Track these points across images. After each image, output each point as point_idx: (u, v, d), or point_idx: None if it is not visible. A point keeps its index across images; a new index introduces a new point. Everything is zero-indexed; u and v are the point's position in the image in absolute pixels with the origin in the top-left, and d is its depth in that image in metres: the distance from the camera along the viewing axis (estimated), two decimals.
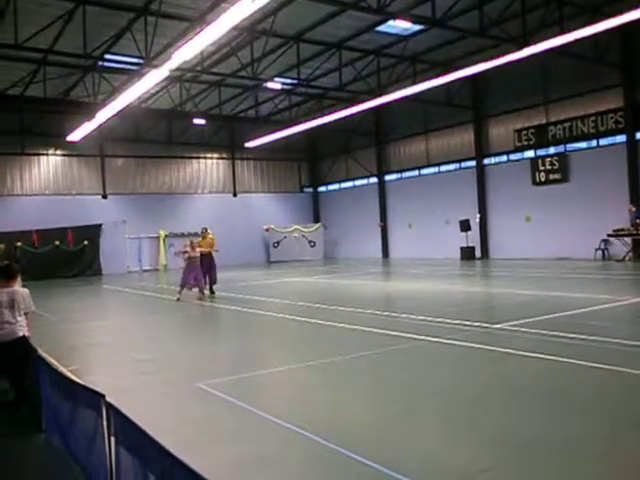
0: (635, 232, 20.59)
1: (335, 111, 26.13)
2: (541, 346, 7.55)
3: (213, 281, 16.88)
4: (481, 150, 27.14)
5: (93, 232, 29.41)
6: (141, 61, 18.84)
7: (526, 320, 9.46)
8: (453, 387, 6.10)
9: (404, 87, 22.40)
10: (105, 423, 3.43)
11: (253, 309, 13.05)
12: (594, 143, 22.95)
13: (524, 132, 25.09)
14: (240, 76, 21.61)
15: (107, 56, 20.02)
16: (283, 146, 34.24)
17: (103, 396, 3.49)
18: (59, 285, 23.48)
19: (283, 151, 35.54)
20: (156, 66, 18.33)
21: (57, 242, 27.97)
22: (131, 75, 22.01)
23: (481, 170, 27.23)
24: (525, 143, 25.14)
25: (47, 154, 29.39)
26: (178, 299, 15.41)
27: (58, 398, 4.61)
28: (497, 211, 26.67)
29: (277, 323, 11.37)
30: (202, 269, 16.20)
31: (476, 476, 3.93)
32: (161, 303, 16.08)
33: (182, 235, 30.52)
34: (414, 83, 22.22)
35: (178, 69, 19.47)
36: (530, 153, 25.26)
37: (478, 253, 27.00)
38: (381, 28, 19.73)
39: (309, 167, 37.93)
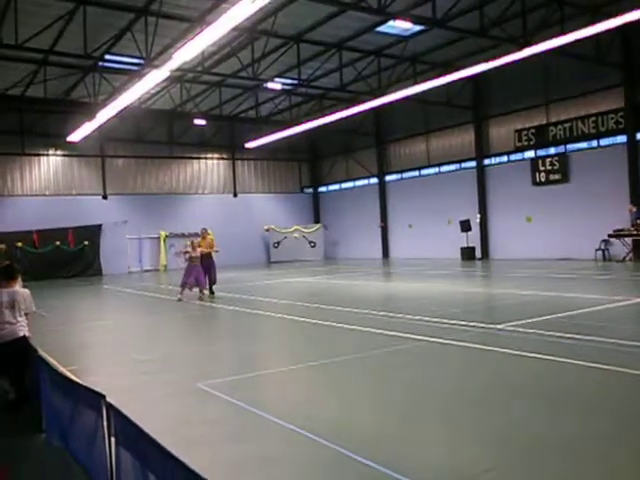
0: (635, 232, 20.58)
1: (335, 111, 26.13)
2: (541, 346, 7.55)
3: (213, 281, 16.89)
4: (481, 150, 27.14)
5: (93, 232, 29.46)
6: (141, 61, 18.83)
7: (527, 320, 9.46)
8: (454, 387, 6.09)
9: (404, 87, 22.40)
10: (105, 423, 3.43)
11: (254, 309, 13.04)
12: (594, 143, 22.95)
13: (524, 132, 25.09)
14: (240, 76, 21.61)
15: (107, 56, 20.01)
16: (283, 146, 34.26)
17: (103, 396, 3.49)
18: (59, 285, 23.50)
19: (283, 151, 35.55)
20: (157, 66, 18.35)
21: (57, 242, 28.01)
22: (131, 75, 22.00)
23: (481, 170, 27.23)
24: (525, 143, 25.14)
25: (47, 154, 29.40)
26: (179, 299, 15.42)
27: (58, 398, 4.61)
28: (497, 211, 26.67)
29: (278, 323, 11.37)
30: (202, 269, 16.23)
31: (477, 477, 3.92)
32: (161, 303, 16.08)
33: (182, 235, 30.54)
34: (415, 83, 22.23)
35: (179, 69, 19.47)
36: (530, 153, 25.26)
37: (478, 253, 27.00)
38: (381, 28, 19.71)
39: (309, 167, 37.93)
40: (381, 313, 11.36)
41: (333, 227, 35.72)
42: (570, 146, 23.77)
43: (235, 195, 35.00)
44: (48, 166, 29.48)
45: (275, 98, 28.17)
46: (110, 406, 3.37)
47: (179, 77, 23.82)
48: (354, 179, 35.04)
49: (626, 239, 21.15)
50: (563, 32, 16.87)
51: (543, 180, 24.48)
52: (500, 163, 26.70)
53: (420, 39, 20.97)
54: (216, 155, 34.50)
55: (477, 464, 4.09)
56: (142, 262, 31.38)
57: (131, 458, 3.01)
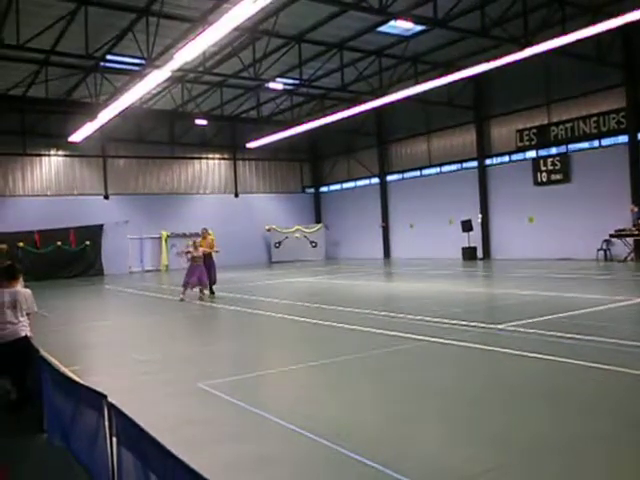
0: (637, 232, 20.57)
1: (337, 111, 26.13)
2: (542, 346, 7.55)
3: (213, 281, 16.91)
4: (483, 150, 27.13)
5: (95, 232, 29.50)
6: (143, 62, 18.85)
7: (527, 321, 9.46)
8: (454, 387, 6.10)
9: (406, 87, 22.40)
10: (107, 423, 3.44)
11: (254, 309, 13.06)
12: (596, 143, 22.93)
13: (526, 132, 25.08)
14: (242, 77, 21.62)
15: (109, 57, 20.02)
16: (285, 146, 34.25)
17: (105, 396, 3.50)
18: (61, 285, 23.53)
19: (285, 151, 35.56)
20: (158, 67, 18.36)
21: (59, 242, 28.04)
22: (133, 76, 22.02)
23: (483, 170, 27.22)
24: (527, 143, 25.12)
25: (49, 155, 29.43)
26: (182, 299, 15.46)
27: (60, 398, 4.62)
28: (499, 211, 26.66)
29: (278, 323, 11.38)
30: None
31: (478, 477, 3.93)
32: (162, 303, 16.09)
33: (184, 235, 30.55)
34: (416, 83, 22.23)
35: (180, 70, 19.48)
36: (532, 153, 25.24)
37: (480, 253, 26.99)
38: (383, 29, 19.71)
39: (311, 167, 37.93)
40: (382, 313, 11.37)
41: (334, 227, 35.72)
42: (572, 146, 23.75)
43: (236, 195, 35.01)
44: (49, 166, 29.51)
45: (276, 98, 28.17)
46: (111, 406, 3.38)
47: (180, 77, 23.83)
48: (355, 179, 35.03)
49: (628, 239, 21.14)
50: (564, 32, 16.86)
51: (545, 180, 24.46)
52: (501, 163, 26.68)
53: (421, 39, 20.96)
54: (217, 155, 34.51)
55: (477, 464, 4.10)
56: (143, 262, 31.40)
57: (132, 458, 3.02)
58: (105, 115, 22.47)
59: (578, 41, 16.91)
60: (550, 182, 24.26)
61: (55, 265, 27.49)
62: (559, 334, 8.24)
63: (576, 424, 4.82)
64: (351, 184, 35.52)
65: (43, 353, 5.44)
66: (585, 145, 23.29)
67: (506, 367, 6.92)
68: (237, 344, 9.48)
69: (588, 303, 11.11)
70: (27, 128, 28.11)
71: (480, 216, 27.06)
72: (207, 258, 16.59)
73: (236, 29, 16.02)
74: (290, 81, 24.07)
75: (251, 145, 31.55)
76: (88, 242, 29.02)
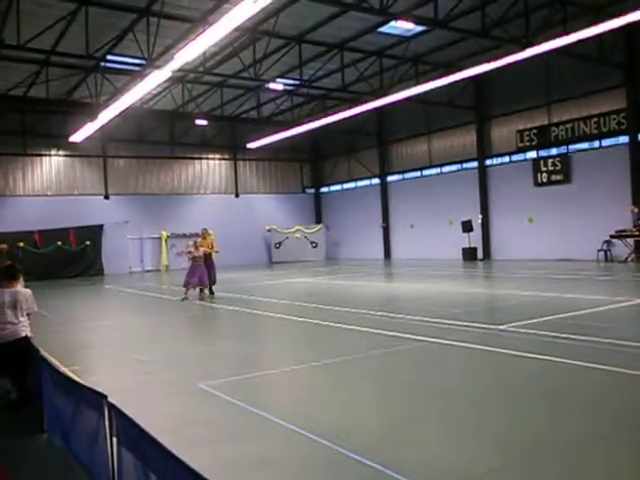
0: (638, 233, 20.54)
1: (337, 112, 26.13)
2: (543, 347, 7.55)
3: (212, 281, 16.91)
4: (483, 151, 27.12)
5: (95, 232, 29.51)
6: (143, 62, 18.85)
7: (528, 321, 9.45)
8: (454, 388, 6.09)
9: (406, 88, 22.38)
10: (107, 423, 3.43)
11: (255, 310, 13.05)
12: (596, 144, 22.92)
13: (526, 133, 25.07)
14: (242, 77, 21.61)
15: (109, 57, 20.03)
16: (285, 147, 34.24)
17: (105, 396, 3.50)
18: (61, 285, 23.52)
19: (285, 152, 35.55)
20: (158, 67, 18.36)
21: (59, 242, 28.05)
22: (133, 76, 22.01)
23: (483, 171, 27.21)
24: (527, 144, 25.12)
25: (49, 155, 29.44)
26: (184, 299, 15.50)
27: (60, 398, 4.62)
28: (499, 212, 26.65)
29: (279, 324, 11.38)
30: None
31: (480, 477, 3.92)
32: (163, 303, 16.09)
33: (184, 236, 30.54)
34: (416, 84, 22.22)
35: (180, 70, 19.48)
36: (532, 154, 25.23)
37: (480, 254, 26.99)
38: (383, 29, 19.71)
39: (311, 168, 37.93)
40: (382, 313, 11.36)
41: (335, 227, 35.71)
42: (572, 147, 23.74)
43: (237, 195, 35.01)
44: (50, 166, 29.52)
45: (277, 98, 28.18)
46: (112, 406, 3.37)
47: (181, 77, 23.83)
48: (356, 179, 35.03)
49: (628, 240, 21.12)
50: (566, 32, 16.84)
51: (545, 181, 24.45)
52: (502, 164, 26.68)
53: (422, 39, 20.96)
54: (218, 155, 34.52)
55: (480, 465, 4.09)
56: (143, 262, 31.40)
57: (133, 458, 3.01)
58: (105, 115, 22.48)
59: (580, 41, 16.88)
60: (550, 183, 24.25)
61: (55, 265, 27.50)
62: (560, 335, 8.23)
63: (578, 424, 4.81)
64: (352, 184, 35.51)
65: (43, 353, 5.44)
66: (585, 146, 23.29)
67: (507, 368, 6.91)
68: (237, 344, 9.47)
69: (589, 304, 11.10)
70: (28, 128, 28.12)
71: (480, 217, 27.06)
72: (207, 258, 16.60)
73: (236, 29, 16.02)
74: (290, 81, 24.07)
75: (251, 145, 31.55)
76: (88, 242, 29.03)
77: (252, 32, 18.87)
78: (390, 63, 23.17)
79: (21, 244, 26.81)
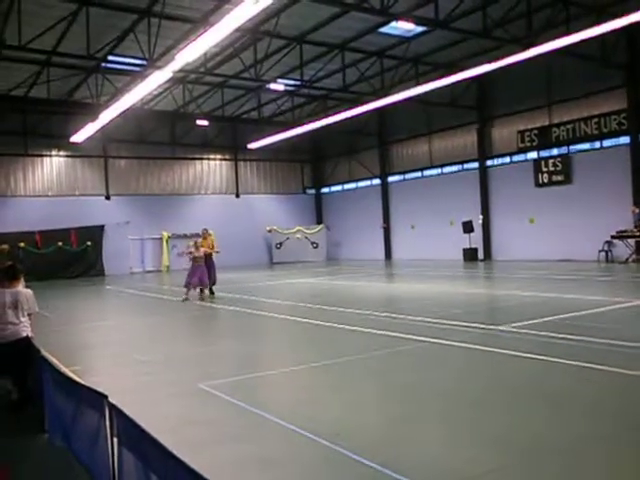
0: (638, 234, 20.53)
1: (338, 112, 26.12)
2: (543, 348, 7.55)
3: (212, 282, 16.93)
4: (484, 151, 27.11)
5: (96, 233, 29.52)
6: (144, 62, 18.87)
7: (528, 322, 9.45)
8: (455, 388, 6.10)
9: (407, 88, 22.38)
10: (108, 424, 3.44)
11: (255, 310, 13.06)
12: (597, 144, 22.91)
13: (527, 133, 25.07)
14: (243, 77, 21.62)
15: (110, 57, 20.04)
16: (286, 147, 34.24)
17: (106, 397, 3.50)
18: (62, 286, 23.54)
19: (286, 152, 35.55)
20: (159, 67, 18.37)
21: (60, 243, 28.07)
22: (134, 76, 22.03)
23: (484, 171, 27.20)
24: (528, 144, 25.11)
25: (50, 155, 29.47)
26: (186, 299, 15.52)
27: (61, 398, 4.62)
28: (500, 212, 26.64)
29: (280, 324, 11.38)
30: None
31: (479, 478, 3.93)
32: (163, 304, 16.10)
33: (185, 236, 30.55)
34: (417, 84, 22.22)
35: (181, 70, 19.50)
36: (533, 154, 25.23)
37: (481, 254, 26.98)
38: (384, 29, 19.70)
39: (312, 168, 37.94)
40: (383, 314, 11.37)
41: (335, 228, 35.71)
42: (573, 147, 23.74)
43: (237, 196, 35.02)
44: (51, 167, 29.54)
45: (278, 99, 28.18)
46: (112, 406, 3.37)
47: (182, 78, 23.84)
48: (357, 180, 35.03)
49: (629, 240, 21.10)
50: (568, 32, 16.82)
51: (546, 181, 24.45)
52: (503, 164, 26.67)
53: (423, 40, 20.95)
54: (218, 156, 34.53)
55: (479, 465, 4.10)
56: (144, 263, 31.42)
57: (133, 458, 3.02)
58: (106, 116, 22.50)
59: (582, 41, 16.85)
60: (551, 183, 24.24)
61: (56, 265, 27.50)
62: (560, 335, 8.23)
63: (578, 425, 4.82)
64: (352, 185, 35.52)
65: (44, 353, 5.44)
66: (586, 146, 23.28)
67: (507, 368, 6.92)
68: (238, 345, 9.47)
69: (589, 305, 11.10)
70: (29, 129, 28.15)
71: (481, 217, 27.05)
72: (207, 258, 16.63)
73: (237, 30, 16.04)
74: (291, 82, 24.08)
75: (252, 146, 31.56)
76: (89, 243, 29.04)
77: (253, 32, 18.88)
78: (391, 63, 23.17)
79: (22, 244, 26.83)
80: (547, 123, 24.39)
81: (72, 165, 30.05)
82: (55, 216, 28.22)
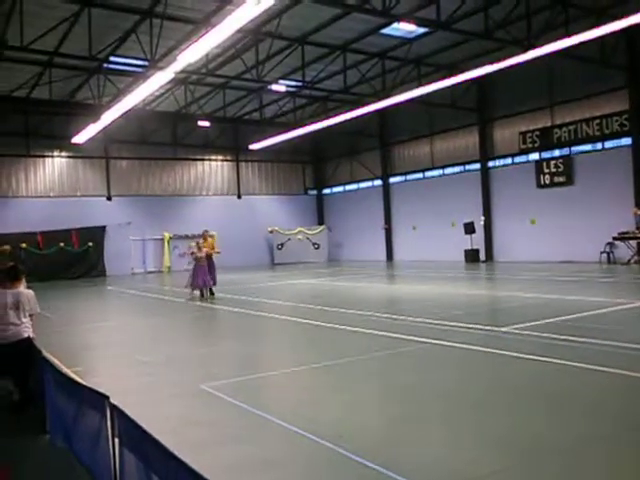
0: None
1: (340, 113, 26.14)
2: (545, 349, 7.54)
3: (213, 282, 16.94)
4: (486, 153, 27.10)
5: (97, 234, 29.54)
6: (146, 63, 18.87)
7: (530, 323, 9.44)
8: (457, 390, 6.09)
9: (409, 90, 22.38)
10: (109, 424, 3.44)
11: (257, 311, 13.06)
12: (599, 146, 22.89)
13: (529, 135, 25.06)
14: (245, 78, 21.62)
15: (112, 58, 20.08)
16: (287, 148, 34.24)
17: (107, 397, 3.50)
18: (63, 286, 23.55)
19: (287, 153, 35.55)
20: (161, 68, 18.39)
21: (62, 244, 28.10)
22: (136, 77, 22.06)
23: (486, 173, 27.19)
24: (530, 146, 25.10)
25: (52, 156, 29.50)
26: (190, 298, 15.61)
27: (62, 399, 4.62)
28: (501, 214, 26.62)
29: (281, 325, 11.38)
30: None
31: (482, 479, 3.92)
32: (165, 305, 16.10)
33: (186, 237, 30.56)
34: (419, 86, 22.22)
35: (183, 71, 19.53)
36: (535, 156, 25.21)
37: (482, 256, 26.95)
38: (386, 31, 19.71)
39: (313, 169, 37.95)
40: (384, 315, 11.36)
41: (337, 229, 35.71)
42: (575, 148, 23.72)
43: (239, 197, 35.03)
44: (53, 168, 29.58)
45: (279, 100, 28.21)
46: (114, 407, 3.37)
47: (183, 79, 23.86)
48: (358, 181, 35.03)
49: (631, 242, 21.08)
50: (568, 34, 16.83)
51: (547, 182, 24.43)
52: (504, 165, 26.66)
53: (424, 41, 20.96)
54: (220, 157, 34.55)
55: (482, 466, 4.09)
56: (146, 263, 31.43)
57: (135, 459, 3.01)
58: (108, 116, 22.52)
59: (582, 43, 16.87)
60: (553, 184, 24.22)
61: (58, 266, 27.52)
62: (562, 337, 8.22)
63: (579, 426, 4.81)
64: (354, 186, 35.52)
65: (45, 354, 5.44)
66: (588, 147, 23.26)
67: (508, 369, 6.91)
68: (239, 345, 9.47)
69: (591, 306, 11.08)
70: (31, 129, 28.20)
71: (483, 218, 27.03)
72: (208, 259, 16.67)
73: (239, 31, 16.05)
74: (293, 83, 24.09)
75: (254, 147, 31.57)
76: (91, 243, 29.06)
77: (255, 34, 18.90)
78: (392, 65, 23.17)
79: (24, 245, 26.87)
80: (549, 124, 24.37)
81: (74, 166, 30.08)
82: (57, 217, 28.26)
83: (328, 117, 26.83)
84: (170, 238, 31.57)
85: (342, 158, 35.65)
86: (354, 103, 25.89)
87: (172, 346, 9.54)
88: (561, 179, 23.94)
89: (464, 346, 8.02)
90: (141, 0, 16.56)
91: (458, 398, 5.78)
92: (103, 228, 29.76)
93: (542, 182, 24.62)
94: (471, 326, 9.50)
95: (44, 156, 29.23)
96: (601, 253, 22.14)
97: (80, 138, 26.30)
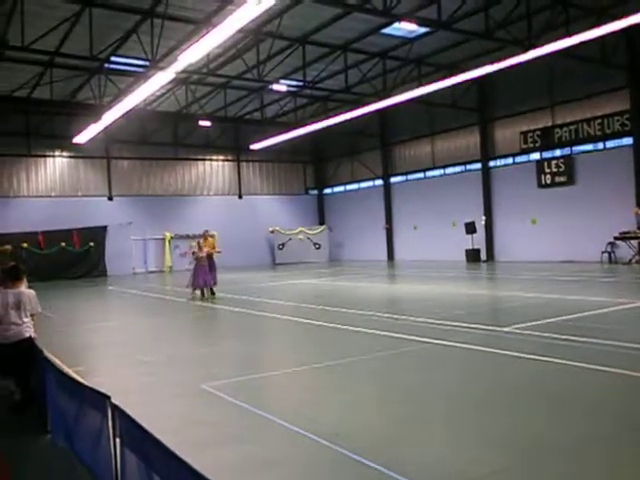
0: None
1: (340, 113, 26.14)
2: (546, 349, 7.53)
3: (213, 282, 16.96)
4: (487, 152, 27.09)
5: (99, 234, 29.56)
6: (147, 63, 18.88)
7: (531, 323, 9.44)
8: (458, 389, 6.09)
9: (410, 89, 22.39)
10: (110, 424, 3.44)
11: (258, 311, 13.06)
12: (600, 145, 22.88)
13: (530, 134, 25.04)
14: (246, 78, 21.63)
15: (113, 58, 20.08)
16: (288, 148, 34.23)
17: (109, 397, 3.50)
18: (65, 286, 23.56)
19: (288, 153, 35.55)
20: (162, 68, 18.39)
21: (63, 243, 28.13)
22: (137, 77, 22.07)
23: (487, 172, 27.18)
24: (531, 145, 25.08)
25: (53, 156, 29.53)
26: (192, 298, 15.61)
27: (64, 399, 4.63)
28: (502, 213, 26.61)
29: (282, 325, 11.38)
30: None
31: (483, 479, 3.92)
32: (166, 304, 16.11)
33: (187, 237, 30.59)
34: (420, 85, 22.22)
35: (184, 71, 19.54)
36: (536, 155, 25.21)
37: (483, 255, 26.95)
38: (387, 30, 19.72)
39: (314, 169, 37.95)
40: (386, 315, 11.36)
41: (338, 229, 35.71)
42: (576, 148, 23.71)
43: (240, 197, 35.04)
44: (54, 167, 29.60)
45: (280, 100, 28.21)
46: (115, 407, 3.38)
47: (184, 79, 23.88)
48: (359, 181, 35.03)
49: (632, 241, 21.07)
50: (568, 34, 16.83)
51: (548, 182, 24.42)
52: (505, 165, 26.65)
53: (425, 41, 20.95)
54: (221, 157, 34.56)
55: (483, 466, 4.09)
56: (147, 263, 31.45)
57: (136, 459, 3.02)
58: (109, 116, 22.54)
59: (582, 43, 16.89)
60: (554, 184, 24.21)
61: (59, 266, 27.54)
62: (563, 337, 8.21)
63: (581, 426, 4.81)
64: (355, 186, 35.52)
65: (47, 354, 5.45)
66: (589, 147, 23.26)
67: (510, 369, 6.90)
68: (240, 345, 9.47)
69: (592, 306, 11.07)
70: (32, 129, 28.22)
71: (484, 218, 27.02)
72: (208, 259, 16.69)
73: (240, 31, 16.05)
74: (294, 83, 24.10)
75: (255, 147, 31.58)
76: (92, 243, 29.08)
77: (256, 33, 18.90)
78: (393, 64, 23.18)
79: (25, 245, 26.89)
80: (550, 124, 24.36)
81: (75, 166, 30.10)
82: (58, 217, 28.28)
83: (329, 117, 26.83)
84: (171, 238, 31.59)
85: (343, 158, 35.65)
86: (355, 103, 25.89)
87: (173, 346, 9.55)
88: (562, 179, 23.93)
89: (465, 346, 8.01)
90: (142, 0, 16.57)
91: (459, 398, 5.78)
92: (104, 228, 29.79)
93: (543, 182, 24.61)
94: (472, 326, 9.49)
95: (45, 156, 29.25)
96: (602, 253, 22.13)
97: (81, 138, 26.32)
